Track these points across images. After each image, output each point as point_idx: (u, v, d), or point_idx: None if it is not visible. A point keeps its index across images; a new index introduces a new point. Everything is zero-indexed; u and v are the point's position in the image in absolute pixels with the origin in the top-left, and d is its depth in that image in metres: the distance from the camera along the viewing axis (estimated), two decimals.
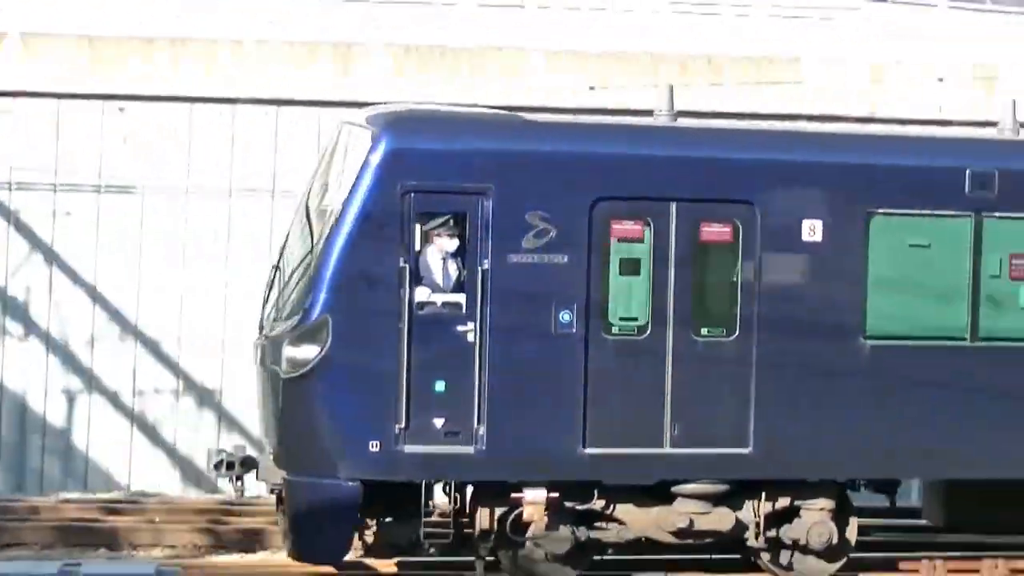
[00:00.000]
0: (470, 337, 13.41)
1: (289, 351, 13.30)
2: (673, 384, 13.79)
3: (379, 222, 13.31)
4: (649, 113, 15.01)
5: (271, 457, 13.96)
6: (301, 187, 15.38)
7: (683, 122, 15.00)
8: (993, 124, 16.24)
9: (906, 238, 14.25)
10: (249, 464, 14.12)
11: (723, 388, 13.91)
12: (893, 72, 22.66)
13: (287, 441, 13.61)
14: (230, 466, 14.05)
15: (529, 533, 13.79)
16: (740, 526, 14.27)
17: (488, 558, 14.19)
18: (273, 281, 14.61)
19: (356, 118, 14.36)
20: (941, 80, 22.56)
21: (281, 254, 14.62)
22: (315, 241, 13.58)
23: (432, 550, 14.13)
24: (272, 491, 14.18)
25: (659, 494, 14.02)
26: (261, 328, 14.54)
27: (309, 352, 13.22)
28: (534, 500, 13.52)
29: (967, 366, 14.39)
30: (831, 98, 22.30)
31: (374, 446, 13.33)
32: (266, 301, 14.65)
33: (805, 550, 14.48)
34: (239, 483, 14.17)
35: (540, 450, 13.58)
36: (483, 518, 13.81)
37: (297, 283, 13.71)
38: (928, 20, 22.84)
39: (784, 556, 14.60)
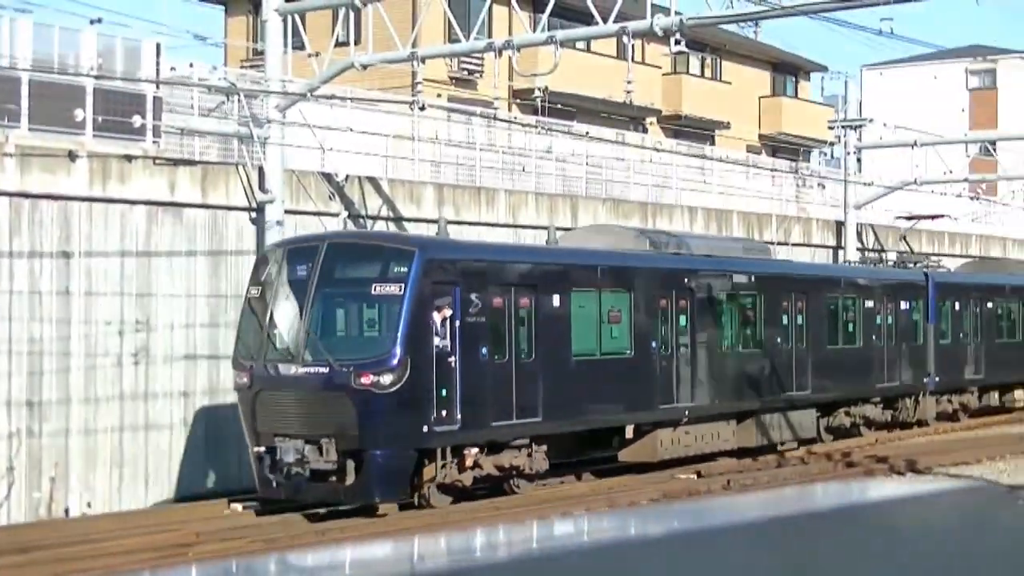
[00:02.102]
0: (453, 363, 22.75)
1: (379, 379, 21.65)
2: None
3: (423, 303, 22.29)
4: None
5: (330, 443, 21.66)
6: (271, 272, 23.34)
7: None
8: None
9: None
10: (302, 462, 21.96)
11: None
12: None
13: (369, 430, 21.68)
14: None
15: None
16: None
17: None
18: (269, 333, 22.83)
19: (388, 240, 24.14)
20: None
21: (268, 311, 22.96)
22: (380, 310, 22.74)
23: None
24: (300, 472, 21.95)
25: None
26: (287, 359, 22.48)
27: (392, 379, 21.72)
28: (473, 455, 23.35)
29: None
30: None
31: (424, 429, 22.22)
32: (272, 337, 22.82)
33: None
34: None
35: (483, 423, 23.22)
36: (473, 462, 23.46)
37: (360, 338, 23.20)
38: None
39: None
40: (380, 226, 30.20)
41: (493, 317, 23.49)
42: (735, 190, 42.86)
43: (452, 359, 22.54)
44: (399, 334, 21.77)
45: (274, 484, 22.29)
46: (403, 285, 21.90)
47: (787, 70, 63.33)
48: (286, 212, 27.30)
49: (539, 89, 28.13)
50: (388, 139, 32.23)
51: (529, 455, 24.40)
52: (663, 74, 53.50)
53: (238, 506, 23.76)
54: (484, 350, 23.17)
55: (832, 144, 53.35)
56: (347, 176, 29.35)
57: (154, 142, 25.91)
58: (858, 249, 44.39)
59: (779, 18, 26.68)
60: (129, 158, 25.38)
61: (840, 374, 33.41)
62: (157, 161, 25.89)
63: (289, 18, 27.73)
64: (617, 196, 37.32)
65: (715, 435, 29.10)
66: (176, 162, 26.31)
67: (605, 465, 28.00)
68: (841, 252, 44.21)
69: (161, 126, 25.99)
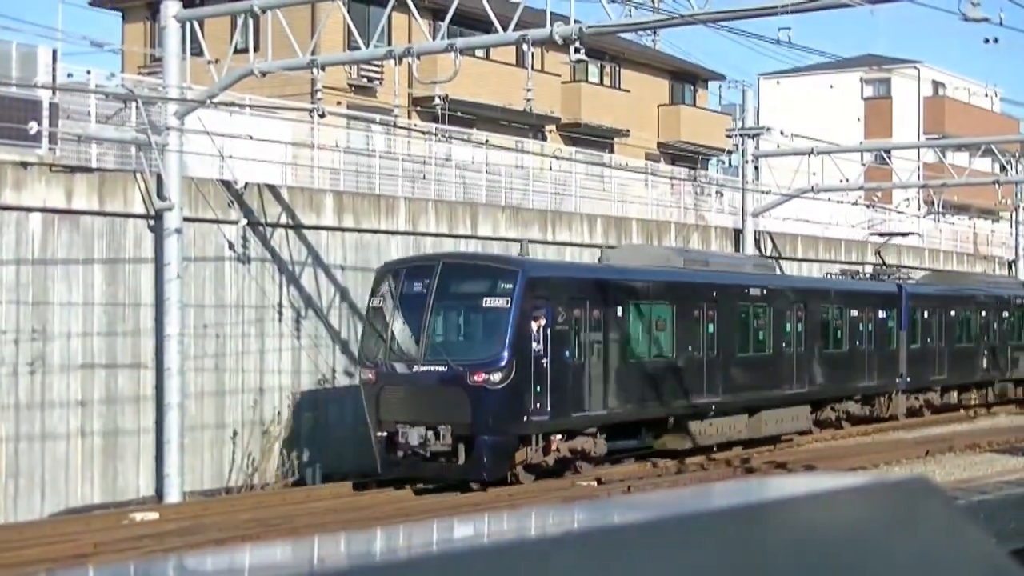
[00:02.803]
0: (545, 364, 26.62)
1: (490, 377, 25.66)
2: None
3: (529, 312, 26.27)
4: None
5: (446, 429, 25.59)
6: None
7: None
8: None
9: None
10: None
11: None
12: None
13: (481, 419, 25.71)
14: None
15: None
16: None
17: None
18: (390, 334, 26.70)
19: (497, 263, 27.63)
20: None
21: (389, 319, 26.83)
22: (488, 320, 26.46)
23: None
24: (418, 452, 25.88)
25: None
26: (401, 360, 26.37)
27: (500, 377, 25.73)
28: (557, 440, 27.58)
29: None
30: None
31: (524, 418, 26.21)
32: (394, 342, 26.64)
33: None
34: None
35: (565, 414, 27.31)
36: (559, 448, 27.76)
37: (471, 342, 26.97)
38: None
39: None
40: (280, 233, 30.10)
41: (573, 325, 27.82)
42: (634, 198, 43.12)
43: (544, 360, 26.69)
44: (506, 340, 25.98)
45: (395, 464, 26.45)
46: (509, 299, 26.16)
47: (685, 78, 63.83)
48: (185, 220, 27.11)
49: (439, 97, 28.05)
50: (288, 147, 32.11)
51: (593, 441, 28.48)
52: (562, 82, 53.72)
53: (137, 516, 23.55)
54: (567, 353, 27.49)
55: (730, 152, 53.82)
56: (246, 184, 29.20)
57: (50, 149, 25.64)
58: (840, 264, 48.50)
59: (677, 27, 26.94)
60: (24, 165, 25.08)
61: (828, 374, 37.64)
62: (53, 168, 25.61)
63: (187, 24, 27.54)
64: (517, 204, 37.42)
65: (732, 427, 33.41)
66: (73, 169, 26.04)
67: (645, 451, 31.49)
68: None
69: (58, 133, 25.73)
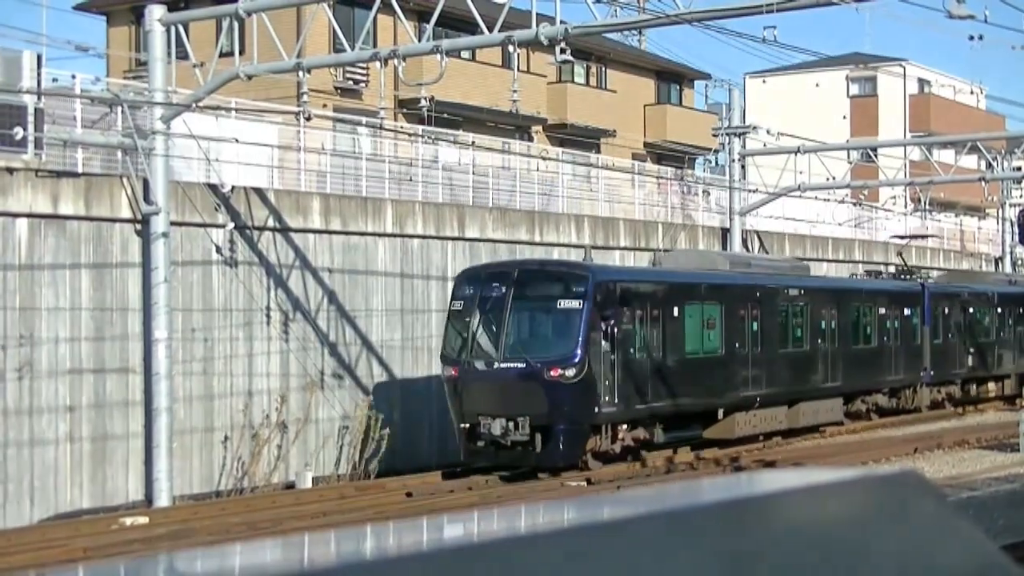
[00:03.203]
0: (612, 360, 28.89)
1: (565, 372, 27.93)
2: None
3: (599, 314, 28.59)
4: None
5: (525, 420, 27.79)
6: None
7: None
8: None
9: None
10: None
11: None
12: None
13: (556, 411, 27.95)
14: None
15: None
16: None
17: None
18: (471, 334, 28.76)
19: (569, 268, 30.08)
20: None
21: (470, 320, 28.84)
22: (561, 321, 28.45)
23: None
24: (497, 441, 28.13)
25: None
26: (482, 358, 28.57)
27: (574, 373, 27.96)
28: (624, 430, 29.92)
29: None
30: None
31: (596, 410, 28.55)
32: (475, 342, 28.76)
33: None
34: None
35: (630, 406, 29.65)
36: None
37: (547, 341, 28.79)
38: None
39: None
40: (267, 236, 30.07)
41: (635, 324, 30.20)
42: (622, 198, 43.13)
43: (612, 357, 28.98)
44: (579, 338, 28.19)
45: (476, 452, 28.82)
46: (581, 301, 28.35)
47: (671, 78, 63.87)
48: (172, 224, 27.07)
49: (425, 98, 28.06)
50: (274, 150, 32.08)
51: (653, 430, 30.88)
52: (548, 83, 53.73)
53: (126, 520, 23.51)
54: (631, 350, 29.86)
55: (716, 151, 53.88)
56: (232, 187, 29.17)
57: (36, 154, 25.58)
58: (863, 263, 51.10)
59: (663, 26, 26.94)
60: (10, 170, 25.03)
61: (859, 369, 39.72)
62: (39, 173, 25.56)
63: (172, 28, 27.51)
64: (504, 205, 37.42)
65: (774, 418, 35.50)
66: (59, 174, 25.99)
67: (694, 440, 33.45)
68: None
69: (43, 138, 25.67)
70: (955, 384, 45.51)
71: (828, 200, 51.44)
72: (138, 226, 27.15)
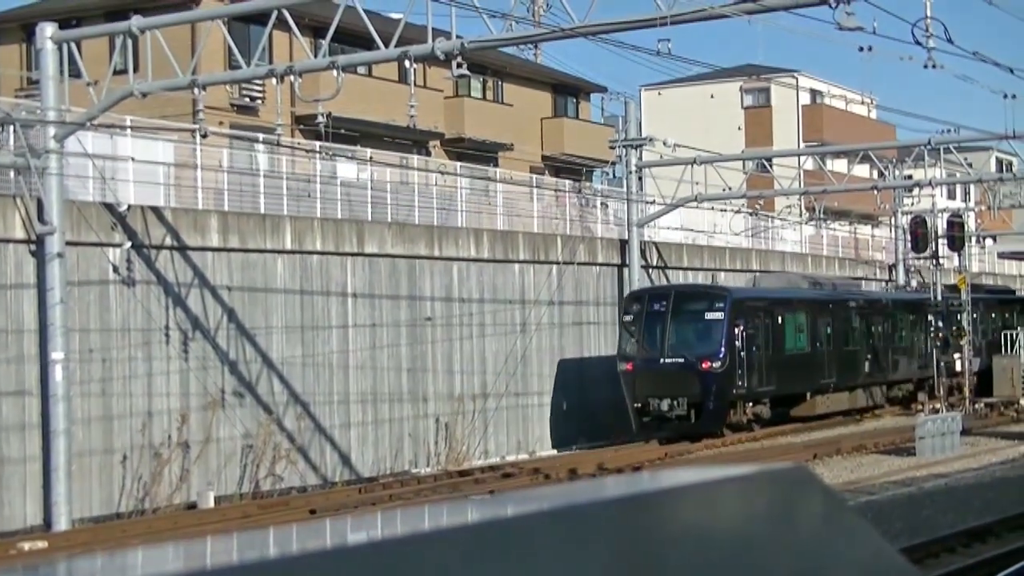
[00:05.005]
0: (743, 356, 39.19)
1: (713, 365, 38.18)
2: None
3: (734, 322, 38.68)
4: None
5: (683, 400, 37.86)
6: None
7: None
8: None
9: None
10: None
11: None
12: None
13: (707, 392, 37.98)
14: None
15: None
16: None
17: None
18: (642, 338, 39.02)
19: (713, 290, 41.70)
20: None
21: (640, 328, 39.11)
22: (709, 327, 38.72)
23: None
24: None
25: None
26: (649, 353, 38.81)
27: (719, 365, 38.25)
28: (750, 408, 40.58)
29: None
30: None
31: (733, 391, 38.87)
32: (644, 343, 38.84)
33: None
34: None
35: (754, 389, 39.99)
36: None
37: (699, 343, 38.67)
38: None
39: None
40: (165, 255, 29.85)
41: (756, 329, 40.42)
42: (520, 211, 43.26)
43: (743, 353, 39.19)
44: (723, 340, 38.52)
45: (645, 426, 38.59)
46: (723, 313, 38.78)
47: (568, 91, 64.16)
48: (67, 243, 26.79)
49: (322, 115, 28.02)
50: (171, 168, 31.86)
51: (764, 408, 40.84)
52: (445, 97, 53.79)
53: (25, 545, 23.22)
54: (753, 348, 39.84)
55: (614, 163, 54.24)
56: (129, 206, 28.93)
57: None
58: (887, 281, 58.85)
59: (558, 40, 27.08)
60: None
61: (898, 362, 49.89)
62: None
63: (65, 46, 27.26)
64: (403, 220, 37.40)
65: (841, 400, 45.28)
66: None
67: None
68: (626, 270, 44.87)
69: None
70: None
71: (725, 211, 51.91)
72: (32, 246, 26.85)
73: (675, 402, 37.88)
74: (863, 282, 58.32)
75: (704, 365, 38.08)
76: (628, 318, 39.48)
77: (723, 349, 38.27)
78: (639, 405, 38.28)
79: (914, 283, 58.54)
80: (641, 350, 38.88)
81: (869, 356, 47.55)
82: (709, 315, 38.84)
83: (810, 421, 43.00)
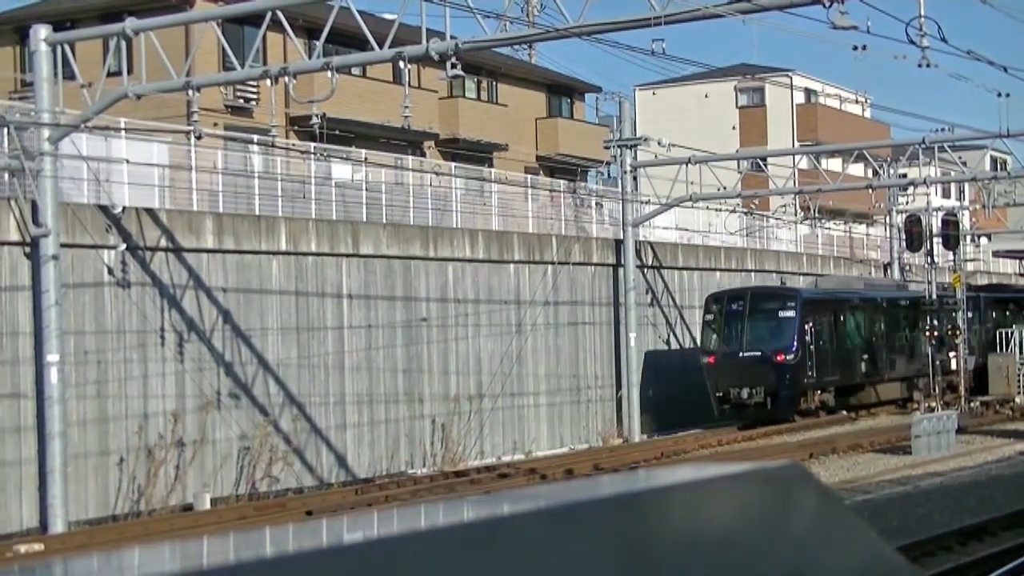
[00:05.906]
0: (812, 349, 44.25)
1: (786, 357, 43.00)
2: None
3: (804, 319, 43.95)
4: None
5: (760, 388, 42.81)
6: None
7: None
8: None
9: None
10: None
11: None
12: None
13: (781, 382, 42.96)
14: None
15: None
16: None
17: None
18: (722, 334, 44.00)
19: (785, 290, 47.12)
20: None
21: (721, 325, 44.11)
22: (782, 324, 43.75)
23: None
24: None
25: None
26: (727, 348, 43.83)
27: (792, 357, 43.12)
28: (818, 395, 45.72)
29: None
30: None
31: (804, 380, 43.98)
32: (725, 339, 43.96)
33: None
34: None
35: (821, 379, 45.04)
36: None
37: (774, 338, 43.66)
38: None
39: None
40: (160, 256, 29.84)
41: (823, 325, 44.91)
42: (515, 211, 43.26)
43: (811, 347, 43.67)
44: (795, 335, 43.19)
45: (725, 412, 43.05)
46: (795, 311, 43.54)
47: (562, 91, 64.15)
48: (62, 246, 26.77)
49: (316, 116, 28.03)
50: (165, 169, 31.84)
51: (829, 396, 45.46)
52: (440, 98, 53.76)
53: (21, 548, 23.21)
54: (821, 342, 44.43)
55: (608, 163, 54.22)
56: (124, 208, 28.92)
57: None
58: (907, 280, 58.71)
59: (552, 40, 27.09)
60: None
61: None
62: None
63: (59, 48, 27.23)
64: (398, 221, 37.39)
65: (894, 390, 49.74)
66: None
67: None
68: (621, 270, 44.86)
69: None
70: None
71: (720, 210, 51.93)
72: (27, 249, 26.83)
73: (753, 391, 42.50)
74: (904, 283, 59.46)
75: (779, 358, 42.80)
76: (709, 317, 44.31)
77: (795, 343, 43.03)
78: (720, 394, 43.07)
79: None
80: (721, 345, 43.74)
81: (920, 349, 50.55)
82: (783, 313, 43.71)
83: (870, 407, 48.00)
